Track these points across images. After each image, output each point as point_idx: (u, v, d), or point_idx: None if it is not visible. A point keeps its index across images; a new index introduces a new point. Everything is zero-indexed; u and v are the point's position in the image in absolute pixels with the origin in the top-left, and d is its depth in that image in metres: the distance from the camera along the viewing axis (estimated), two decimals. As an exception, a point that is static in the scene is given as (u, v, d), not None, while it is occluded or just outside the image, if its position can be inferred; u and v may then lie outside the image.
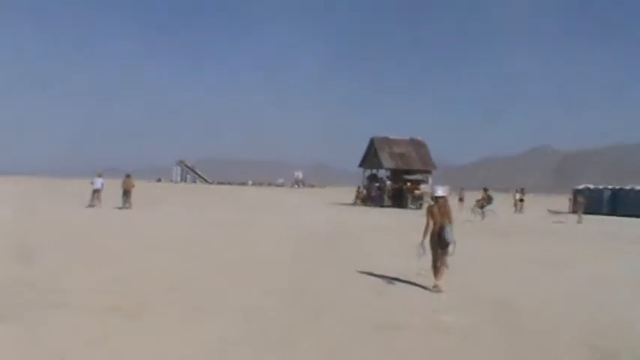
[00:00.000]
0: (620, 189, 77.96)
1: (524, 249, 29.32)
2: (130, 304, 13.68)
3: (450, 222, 16.89)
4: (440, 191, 17.69)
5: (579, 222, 54.03)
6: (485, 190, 57.92)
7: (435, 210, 16.98)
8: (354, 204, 73.75)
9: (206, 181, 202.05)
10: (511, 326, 12.90)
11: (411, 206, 65.93)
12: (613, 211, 70.34)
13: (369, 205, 70.80)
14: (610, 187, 79.65)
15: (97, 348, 10.31)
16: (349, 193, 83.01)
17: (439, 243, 16.72)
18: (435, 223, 16.76)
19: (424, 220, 17.18)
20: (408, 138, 78.69)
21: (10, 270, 17.41)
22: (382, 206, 68.79)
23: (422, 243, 16.78)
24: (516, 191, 75.25)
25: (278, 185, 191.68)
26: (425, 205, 56.98)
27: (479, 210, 52.62)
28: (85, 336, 11.01)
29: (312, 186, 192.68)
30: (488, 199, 57.94)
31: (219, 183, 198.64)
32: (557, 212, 67.66)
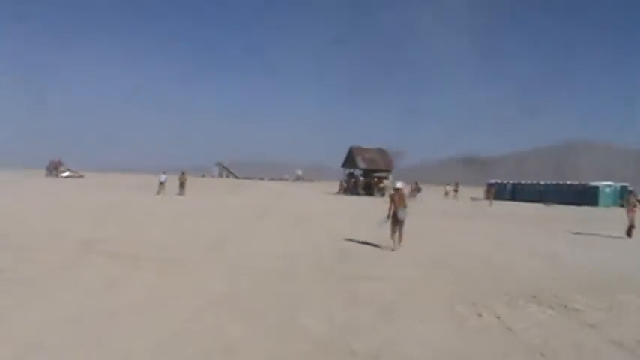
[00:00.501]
0: (518, 183, 79.50)
1: (456, 224, 29.79)
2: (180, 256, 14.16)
3: (404, 206, 17.87)
4: (399, 184, 18.71)
5: (490, 205, 54.72)
6: (416, 183, 64.16)
7: (395, 197, 18.02)
8: (339, 193, 74.56)
9: (236, 177, 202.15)
10: (446, 276, 13.29)
11: (377, 195, 66.69)
12: (513, 198, 71.28)
13: (348, 194, 71.49)
14: (511, 182, 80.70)
15: (154, 283, 10.73)
16: (336, 186, 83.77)
17: (396, 220, 17.69)
18: (394, 206, 17.74)
19: (387, 204, 18.50)
20: (376, 147, 79.98)
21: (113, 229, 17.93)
22: (357, 195, 69.55)
23: (385, 219, 17.85)
24: (447, 184, 78.03)
25: (284, 180, 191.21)
26: (387, 194, 58.03)
27: (412, 198, 53.60)
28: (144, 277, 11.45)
29: (311, 180, 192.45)
30: (418, 190, 61.92)
31: (245, 178, 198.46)
32: (476, 199, 68.26)
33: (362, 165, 75.76)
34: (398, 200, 17.89)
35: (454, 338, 8.04)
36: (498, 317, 9.19)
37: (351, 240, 19.62)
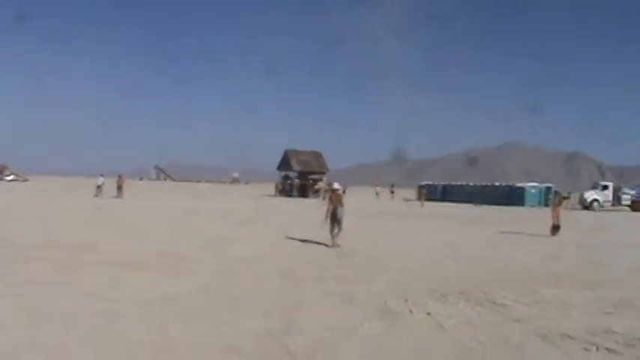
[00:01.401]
0: (448, 184, 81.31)
1: (389, 223, 30.23)
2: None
3: (341, 206, 18.59)
4: (336, 185, 20.02)
5: (422, 206, 55.53)
6: (332, 184, 62.06)
7: (333, 197, 18.90)
8: (275, 195, 74.44)
9: (173, 179, 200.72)
10: (379, 273, 13.41)
11: (311, 197, 66.83)
12: (443, 199, 72.25)
13: (284, 196, 71.49)
14: (442, 183, 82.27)
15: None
16: (270, 188, 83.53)
17: (334, 218, 18.33)
18: (332, 206, 18.46)
19: (326, 204, 19.23)
20: (310, 150, 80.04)
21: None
22: (292, 196, 69.57)
23: (325, 218, 18.47)
24: (377, 186, 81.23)
25: (221, 182, 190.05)
26: (321, 197, 58.56)
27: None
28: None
29: (247, 183, 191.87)
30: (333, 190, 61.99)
31: (182, 180, 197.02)
32: (409, 200, 69.12)
33: (297, 167, 75.83)
34: (335, 200, 18.68)
35: (385, 335, 8.14)
36: (429, 314, 9.33)
37: (292, 238, 20.00)
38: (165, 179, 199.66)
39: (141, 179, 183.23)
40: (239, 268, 13.64)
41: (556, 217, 24.96)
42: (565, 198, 27.54)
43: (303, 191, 71.41)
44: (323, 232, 18.62)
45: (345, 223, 18.64)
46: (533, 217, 38.33)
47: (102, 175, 51.76)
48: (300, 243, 19.14)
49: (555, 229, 24.69)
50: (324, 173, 77.27)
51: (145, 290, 10.55)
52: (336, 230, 18.37)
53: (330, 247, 17.92)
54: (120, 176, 51.30)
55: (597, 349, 7.64)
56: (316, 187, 69.93)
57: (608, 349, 7.61)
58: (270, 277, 12.47)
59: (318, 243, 18.65)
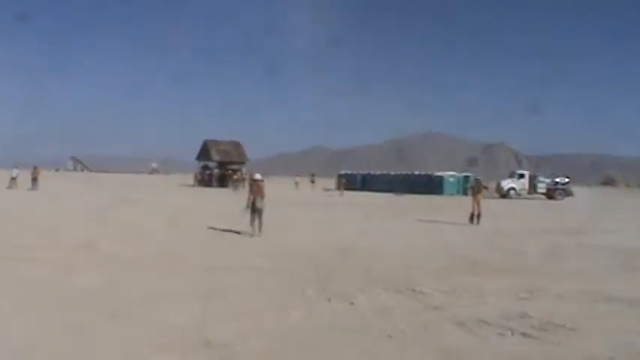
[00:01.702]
0: (368, 174, 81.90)
1: (308, 213, 30.27)
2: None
3: (262, 196, 18.72)
4: (257, 176, 19.97)
5: (341, 195, 55.91)
6: (251, 175, 61.87)
7: (254, 188, 18.98)
8: (194, 185, 73.74)
9: (90, 170, 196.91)
10: (300, 263, 13.39)
11: (231, 187, 66.34)
12: (363, 188, 72.57)
13: (203, 186, 70.93)
14: (362, 172, 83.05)
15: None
16: (190, 178, 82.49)
17: (255, 209, 18.46)
18: (253, 196, 18.60)
19: (246, 194, 19.33)
20: (229, 140, 79.77)
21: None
22: (211, 187, 69.06)
23: (245, 208, 18.67)
24: (296, 176, 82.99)
25: (141, 172, 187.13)
26: (233, 187, 58.56)
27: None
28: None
29: (167, 173, 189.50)
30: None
31: (99, 171, 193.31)
32: (329, 189, 69.32)
33: (216, 157, 75.59)
34: (257, 190, 18.82)
35: (304, 325, 8.14)
36: (352, 303, 9.36)
37: (213, 229, 19.98)
38: (82, 170, 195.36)
39: (57, 170, 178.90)
40: (155, 260, 13.43)
41: (477, 204, 25.41)
42: (484, 187, 27.95)
43: (223, 182, 70.94)
44: (244, 223, 18.69)
45: (265, 214, 18.71)
46: (451, 206, 39.01)
47: (16, 167, 50.21)
48: (221, 233, 19.13)
49: (476, 216, 25.10)
50: (243, 163, 77.16)
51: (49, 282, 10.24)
52: (256, 221, 18.47)
53: (251, 237, 18.04)
54: (35, 168, 49.69)
55: (512, 333, 7.84)
56: (235, 177, 69.53)
57: (523, 334, 7.82)
58: (190, 269, 12.33)
59: (238, 232, 18.75)
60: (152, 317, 8.28)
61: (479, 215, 25.09)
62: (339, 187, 62.60)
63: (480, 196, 25.84)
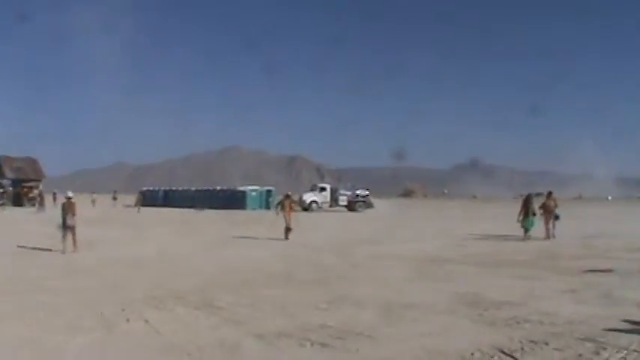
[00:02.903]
0: (170, 189, 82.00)
1: (111, 231, 29.05)
2: None
3: (73, 214, 19.04)
4: (69, 193, 20.06)
5: (139, 211, 55.12)
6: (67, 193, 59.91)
7: (65, 205, 19.23)
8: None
9: None
10: (92, 280, 12.81)
11: (27, 205, 62.67)
12: (166, 204, 71.62)
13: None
14: (163, 188, 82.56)
15: None
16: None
17: (66, 226, 18.83)
18: (64, 214, 18.99)
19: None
20: (25, 156, 75.99)
21: None
22: (3, 205, 64.55)
23: (61, 224, 19.00)
24: (93, 193, 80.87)
25: None
26: (42, 204, 55.77)
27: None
28: None
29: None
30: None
31: None
32: (129, 206, 67.65)
33: (10, 175, 71.22)
34: (68, 208, 19.01)
35: (99, 347, 7.77)
36: (147, 321, 9.04)
37: (22, 247, 19.69)
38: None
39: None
40: None
41: (289, 218, 25.17)
42: (293, 202, 28.19)
43: (18, 200, 67.12)
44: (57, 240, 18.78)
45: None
46: (253, 220, 39.33)
47: None
48: (30, 250, 18.94)
49: (288, 230, 24.96)
50: (40, 180, 73.17)
51: None
52: (69, 237, 18.70)
53: (63, 253, 18.20)
54: None
55: (312, 344, 7.88)
56: (31, 194, 65.81)
57: (321, 344, 7.87)
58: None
59: (50, 250, 18.73)
60: None
61: (289, 229, 25.00)
62: (136, 204, 61.30)
63: (290, 210, 25.83)
